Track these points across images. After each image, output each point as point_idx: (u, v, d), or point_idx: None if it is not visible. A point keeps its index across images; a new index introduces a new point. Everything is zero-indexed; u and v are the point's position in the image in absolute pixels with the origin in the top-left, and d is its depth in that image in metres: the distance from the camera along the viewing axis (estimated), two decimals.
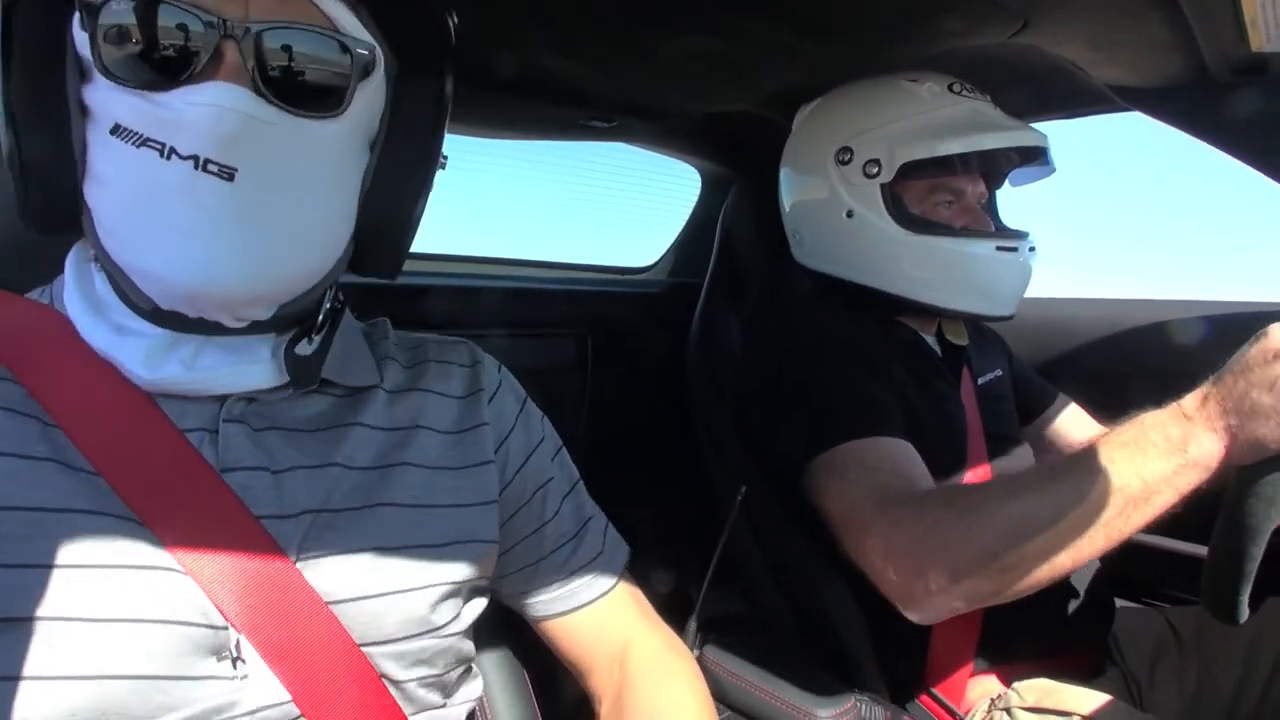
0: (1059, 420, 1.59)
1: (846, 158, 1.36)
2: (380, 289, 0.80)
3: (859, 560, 1.08)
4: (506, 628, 0.90)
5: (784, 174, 1.51)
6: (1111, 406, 1.60)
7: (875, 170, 1.32)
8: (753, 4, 1.12)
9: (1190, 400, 0.91)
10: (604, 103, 1.57)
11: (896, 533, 1.03)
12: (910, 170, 1.30)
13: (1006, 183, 1.50)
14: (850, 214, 1.36)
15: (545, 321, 1.75)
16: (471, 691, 0.81)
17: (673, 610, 0.97)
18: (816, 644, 1.29)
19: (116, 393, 0.64)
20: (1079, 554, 0.92)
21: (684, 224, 2.18)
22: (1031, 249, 1.34)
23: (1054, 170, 1.41)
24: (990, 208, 1.45)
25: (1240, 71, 1.01)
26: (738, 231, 1.78)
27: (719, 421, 1.55)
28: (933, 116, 1.31)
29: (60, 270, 0.71)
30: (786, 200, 1.51)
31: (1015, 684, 1.19)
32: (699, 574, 1.24)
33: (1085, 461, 0.93)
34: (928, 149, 1.28)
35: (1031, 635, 1.25)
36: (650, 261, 2.24)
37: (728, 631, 1.26)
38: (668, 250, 2.21)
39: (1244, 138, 1.07)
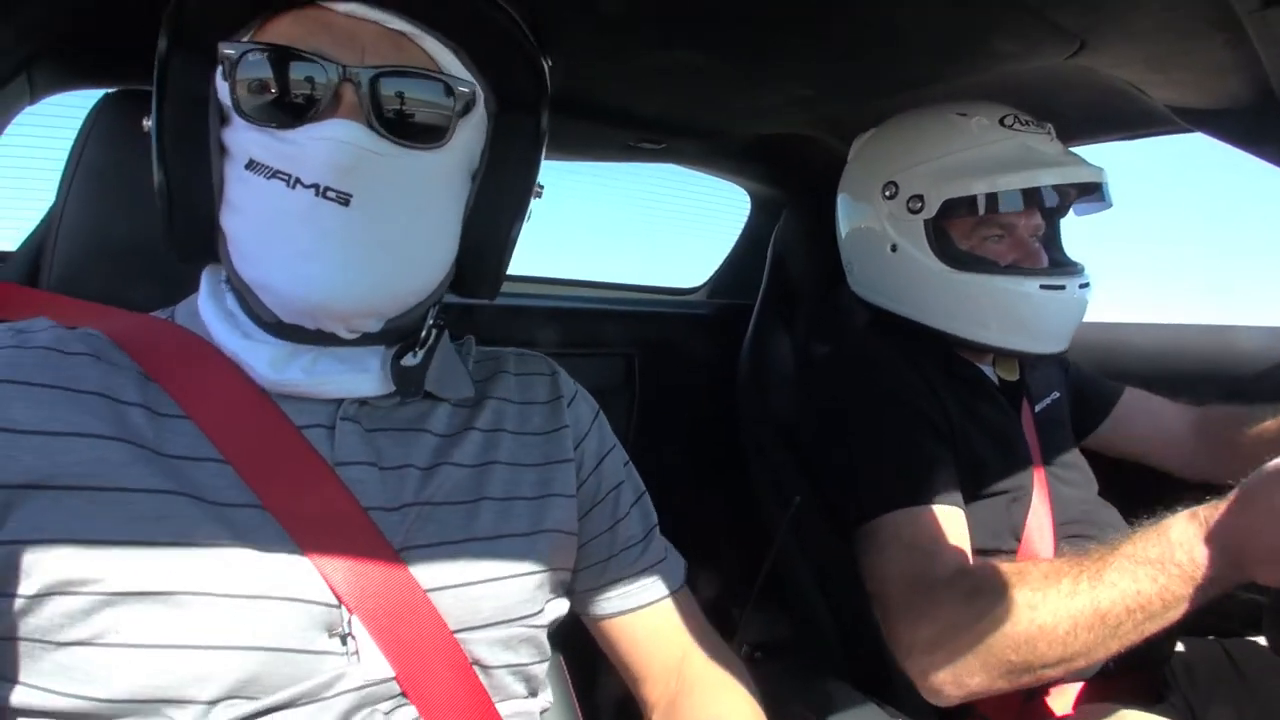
0: (1133, 413, 1.57)
1: (891, 192, 1.35)
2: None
3: (885, 635, 1.11)
4: (564, 652, 0.92)
5: (839, 202, 1.51)
6: None
7: (919, 206, 1.31)
8: (803, 27, 1.12)
9: (1218, 520, 0.90)
10: (653, 124, 1.58)
11: (916, 629, 1.06)
12: (954, 207, 1.29)
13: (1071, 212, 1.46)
14: (894, 248, 1.36)
15: (593, 341, 1.76)
16: (546, 698, 0.86)
17: (716, 630, 0.97)
18: (863, 666, 1.27)
19: (243, 393, 0.72)
20: (1090, 660, 0.95)
21: (732, 245, 2.18)
22: (1084, 285, 1.31)
23: (1110, 204, 1.38)
24: (1051, 239, 1.42)
25: None
26: (790, 255, 1.78)
27: (770, 442, 1.54)
28: (979, 152, 1.30)
29: (173, 294, 0.81)
30: (841, 229, 1.51)
31: (1080, 707, 1.16)
32: (743, 595, 1.23)
33: (1107, 575, 0.94)
34: (969, 187, 1.27)
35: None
36: (698, 283, 2.25)
37: (774, 654, 1.25)
38: (716, 271, 2.22)
39: None
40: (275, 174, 0.68)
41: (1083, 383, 1.58)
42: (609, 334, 1.80)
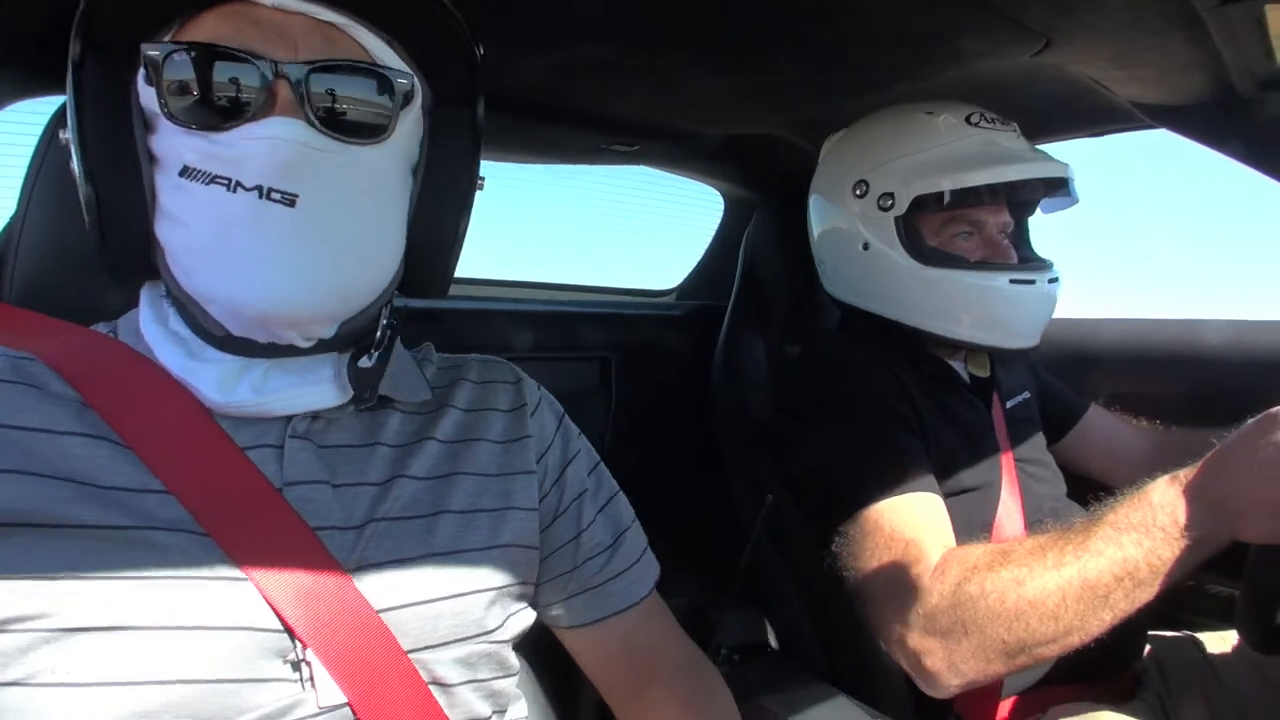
0: (1096, 429, 1.59)
1: (862, 191, 1.36)
2: (403, 313, 0.83)
3: (873, 628, 1.12)
4: (537, 661, 0.91)
5: (811, 203, 1.52)
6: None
7: (889, 203, 1.32)
8: (774, 28, 1.12)
9: (1198, 479, 0.91)
10: (625, 127, 1.58)
11: (905, 619, 1.05)
12: (923, 203, 1.30)
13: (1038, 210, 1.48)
14: (866, 246, 1.37)
15: (568, 344, 1.75)
16: (517, 712, 0.84)
17: (693, 634, 0.96)
18: (843, 665, 1.27)
19: (184, 416, 0.68)
20: (1085, 634, 0.95)
21: (706, 247, 2.19)
22: (1053, 280, 1.33)
23: (1076, 201, 1.39)
24: (1019, 236, 1.44)
25: (1266, 86, 1.01)
26: (761, 256, 1.78)
27: (745, 442, 1.55)
28: (946, 149, 1.31)
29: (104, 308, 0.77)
30: (813, 229, 1.52)
31: (1051, 708, 1.17)
32: (721, 597, 1.23)
33: (1091, 544, 0.94)
34: (938, 183, 1.28)
35: (1062, 659, 1.24)
36: (672, 284, 2.25)
37: (753, 656, 1.25)
38: (690, 273, 2.22)
39: (1269, 151, 1.06)
40: (214, 179, 0.65)
41: (1051, 393, 1.59)
42: (584, 337, 1.79)
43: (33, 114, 1.11)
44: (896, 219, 1.32)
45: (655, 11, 1.07)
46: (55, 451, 0.63)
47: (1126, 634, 1.30)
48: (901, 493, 1.15)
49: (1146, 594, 0.92)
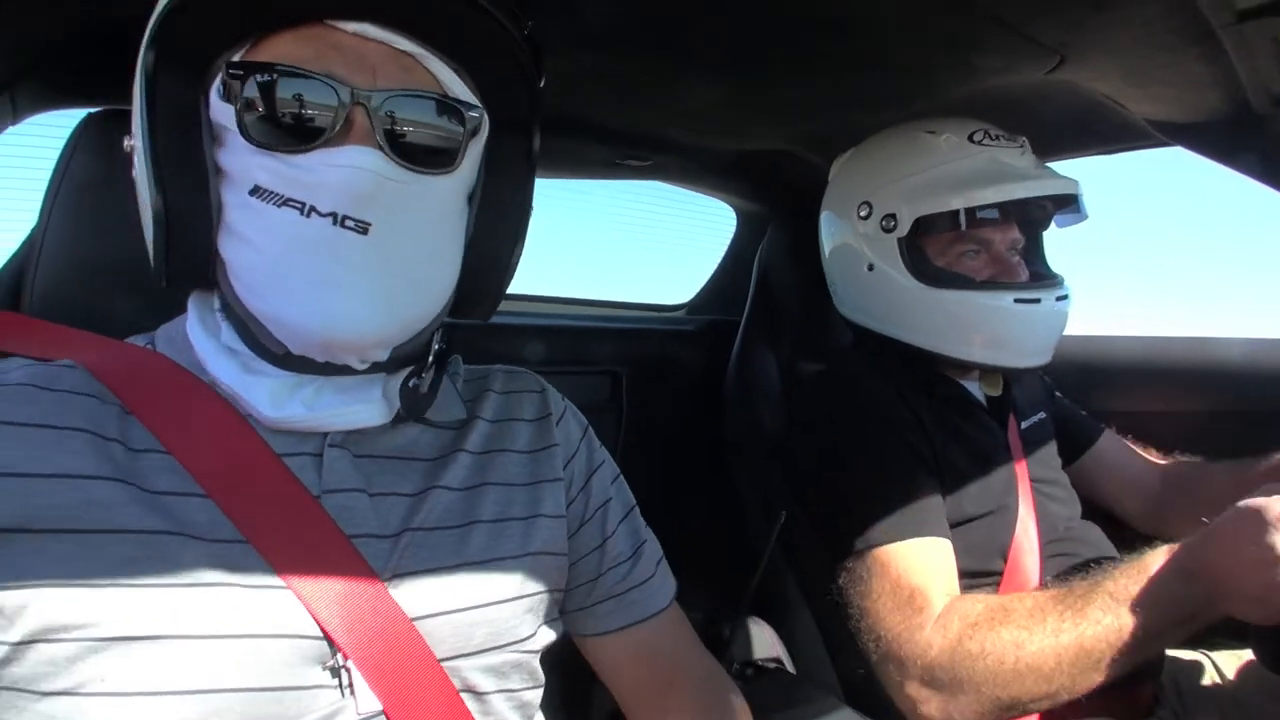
0: (1107, 455, 1.58)
1: (866, 212, 1.36)
2: None
3: (874, 668, 1.15)
4: (552, 672, 0.91)
5: (822, 221, 1.52)
6: (1146, 446, 1.59)
7: (892, 225, 1.32)
8: (788, 44, 1.13)
9: (1190, 559, 0.94)
10: (638, 141, 1.58)
11: (905, 666, 1.08)
12: (928, 224, 1.30)
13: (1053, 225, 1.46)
14: (871, 267, 1.37)
15: (580, 358, 1.75)
16: None
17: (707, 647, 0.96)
18: (854, 682, 1.26)
19: (223, 424, 0.69)
20: (1075, 693, 0.99)
21: (719, 262, 2.19)
22: (1062, 297, 1.31)
23: (1085, 216, 1.38)
24: (1032, 252, 1.43)
25: None
26: (774, 272, 1.78)
27: (757, 459, 1.54)
28: (949, 169, 1.30)
29: (157, 313, 0.78)
30: (824, 249, 1.52)
31: None
32: (732, 612, 1.23)
33: (1090, 612, 0.98)
34: (940, 204, 1.28)
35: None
36: (684, 299, 2.25)
37: (763, 673, 1.24)
38: (702, 288, 2.22)
39: None
40: (286, 201, 0.65)
41: (1066, 417, 1.58)
42: (595, 351, 1.80)
43: (47, 126, 1.12)
44: (899, 240, 1.32)
45: (664, 25, 1.08)
46: (101, 454, 0.64)
47: None
48: (909, 536, 1.15)
49: (1138, 659, 0.96)
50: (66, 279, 0.92)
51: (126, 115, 0.71)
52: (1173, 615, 0.93)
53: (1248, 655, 1.33)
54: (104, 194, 0.91)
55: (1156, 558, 0.97)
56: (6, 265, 1.01)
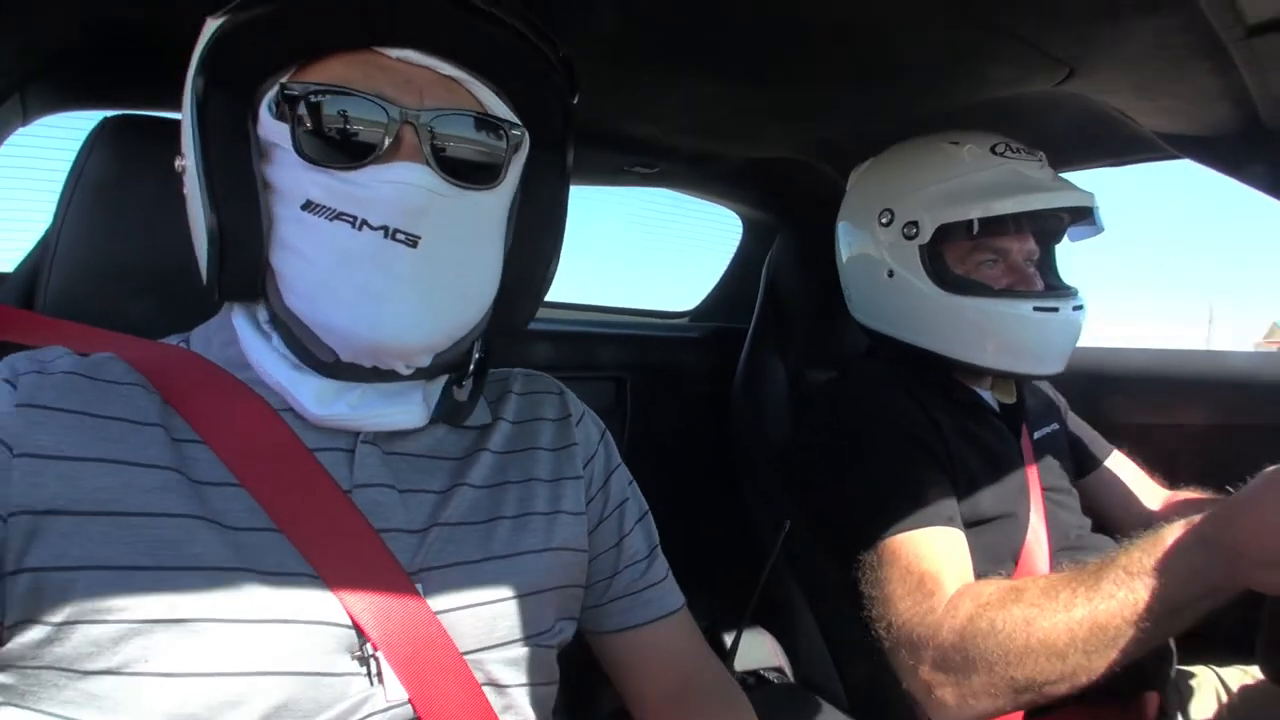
0: (1113, 478, 1.57)
1: (887, 219, 1.37)
2: None
3: (889, 659, 1.13)
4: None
5: (839, 230, 1.53)
6: (1158, 458, 1.59)
7: (914, 232, 1.33)
8: (799, 54, 1.13)
9: (1213, 527, 0.90)
10: (646, 148, 1.59)
11: (919, 652, 1.07)
12: (948, 232, 1.31)
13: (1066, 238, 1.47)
14: (891, 274, 1.38)
15: (585, 364, 1.76)
16: None
17: None
18: (858, 691, 1.26)
19: (257, 417, 0.72)
20: (1093, 673, 0.94)
21: (725, 269, 2.19)
22: (1078, 307, 1.33)
23: (1101, 229, 1.39)
24: (1046, 264, 1.44)
25: None
26: (783, 280, 1.78)
27: (763, 467, 1.54)
28: (971, 179, 1.32)
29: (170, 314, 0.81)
30: (841, 256, 1.53)
31: None
32: (736, 619, 1.23)
33: (1103, 586, 0.94)
34: (962, 212, 1.29)
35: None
36: (690, 306, 2.25)
37: (766, 681, 1.24)
38: (707, 295, 2.22)
39: None
40: (339, 215, 0.68)
41: (1077, 434, 1.59)
42: (600, 357, 1.80)
43: (58, 127, 1.13)
44: (921, 247, 1.33)
45: (675, 32, 1.08)
46: (142, 441, 0.66)
47: (1149, 661, 1.30)
48: (921, 525, 1.15)
49: (1156, 637, 0.92)
50: (81, 281, 0.92)
51: (144, 121, 0.73)
52: (1190, 588, 0.90)
53: (1254, 671, 1.32)
54: (119, 197, 0.92)
55: (1174, 530, 0.93)
56: (21, 266, 1.01)
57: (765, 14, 1.03)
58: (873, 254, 1.41)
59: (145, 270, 0.81)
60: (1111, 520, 1.53)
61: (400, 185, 0.68)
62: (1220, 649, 1.28)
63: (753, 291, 1.83)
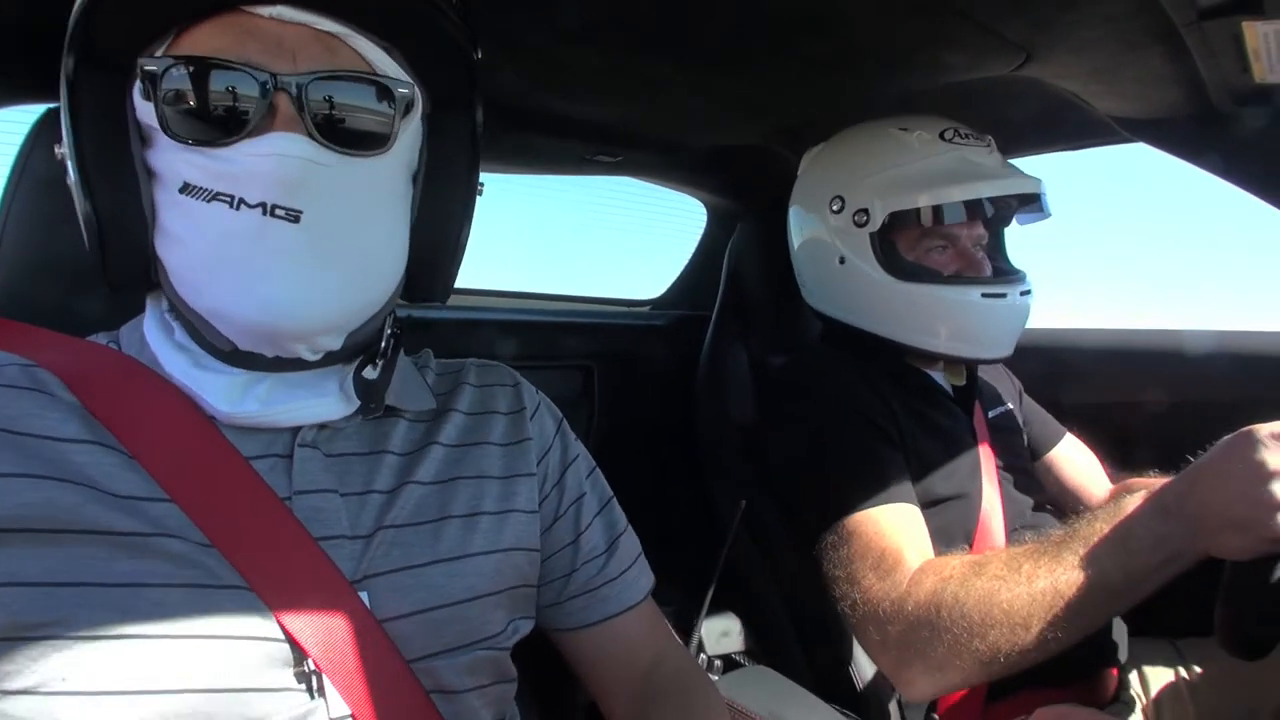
0: (1064, 462, 1.60)
1: (838, 206, 1.38)
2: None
3: (855, 635, 1.15)
4: (528, 667, 0.91)
5: (790, 215, 1.53)
6: (1115, 437, 1.62)
7: (864, 219, 1.34)
8: (760, 39, 1.13)
9: (1173, 495, 0.92)
10: (610, 136, 1.58)
11: (884, 628, 1.07)
12: (898, 219, 1.32)
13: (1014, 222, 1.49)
14: (843, 260, 1.38)
15: (551, 353, 1.75)
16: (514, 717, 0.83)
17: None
18: (824, 671, 1.27)
19: (188, 425, 0.68)
20: (1060, 643, 0.96)
21: (689, 257, 2.19)
22: (1025, 292, 1.34)
23: (1048, 215, 1.41)
24: (995, 248, 1.46)
25: (1242, 101, 1.02)
26: (745, 267, 1.79)
27: (727, 451, 1.55)
28: (920, 166, 1.32)
29: (121, 309, 0.77)
30: (793, 242, 1.53)
31: (1038, 711, 1.18)
32: (700, 606, 1.23)
33: (1065, 557, 0.96)
34: (912, 200, 1.30)
35: (1044, 664, 1.25)
36: (656, 294, 2.25)
37: (733, 663, 1.25)
38: (672, 283, 2.22)
39: (1246, 165, 1.08)
40: (215, 196, 0.64)
41: (1029, 417, 1.61)
42: (567, 346, 1.79)
43: (10, 122, 1.10)
44: (871, 235, 1.33)
45: (639, 19, 1.08)
46: (61, 457, 0.63)
47: (1107, 637, 1.32)
48: (880, 503, 1.16)
49: (1118, 606, 0.95)
50: (27, 275, 0.90)
51: None
52: (1151, 557, 0.91)
53: (1212, 643, 1.35)
54: (64, 190, 0.90)
55: (1134, 500, 0.96)
56: None
57: (726, 3, 1.03)
58: (824, 240, 1.41)
59: (92, 265, 0.79)
60: (1058, 499, 1.56)
61: (274, 158, 0.63)
62: (1177, 621, 1.30)
63: (717, 279, 1.83)
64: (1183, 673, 1.34)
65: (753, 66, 1.23)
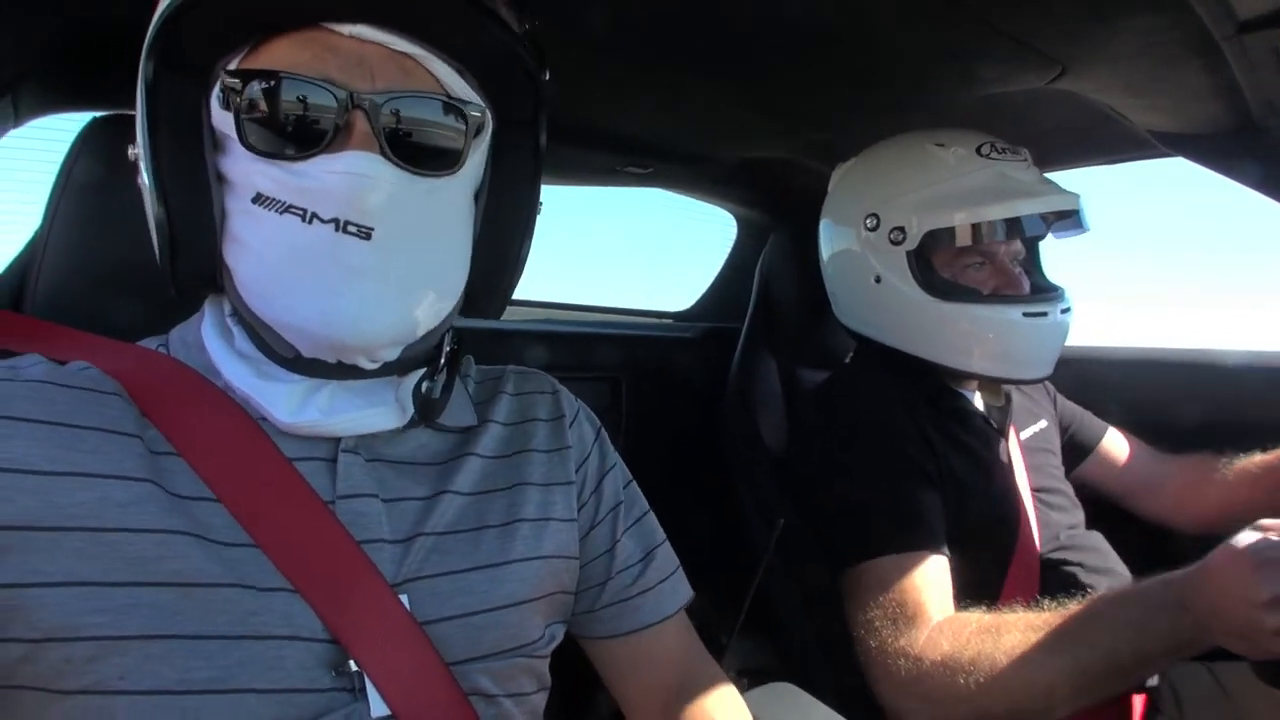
0: (1113, 455, 1.58)
1: (873, 224, 1.36)
2: None
3: (868, 680, 1.15)
4: (554, 676, 0.91)
5: (822, 230, 1.52)
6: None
7: (900, 238, 1.32)
8: (790, 51, 1.13)
9: (1183, 591, 0.94)
10: (641, 148, 1.59)
11: (898, 679, 1.09)
12: (935, 237, 1.30)
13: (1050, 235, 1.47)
14: (878, 279, 1.37)
15: (580, 364, 1.75)
16: None
17: None
18: (851, 691, 1.26)
19: (234, 428, 0.69)
20: (1067, 710, 0.99)
21: (719, 269, 2.19)
22: (1065, 310, 1.32)
23: (1086, 229, 1.38)
24: (1031, 262, 1.44)
25: None
26: (776, 280, 1.78)
27: (757, 467, 1.54)
28: (958, 183, 1.30)
29: (160, 317, 0.78)
30: (824, 257, 1.52)
31: None
32: (731, 620, 1.22)
33: (1087, 635, 0.98)
34: (950, 218, 1.28)
35: None
36: (685, 306, 2.25)
37: (762, 680, 1.24)
38: (702, 295, 2.22)
39: None
40: (288, 209, 0.65)
41: (1070, 418, 1.59)
42: (596, 357, 1.79)
43: (50, 130, 1.12)
44: (908, 253, 1.32)
45: (669, 31, 1.08)
46: (119, 452, 0.64)
47: None
48: (908, 549, 1.16)
49: (1130, 683, 1.01)
50: (70, 282, 0.92)
51: (130, 120, 0.71)
52: (1164, 643, 0.94)
53: (1246, 667, 1.33)
54: (107, 198, 0.91)
55: (1153, 587, 0.97)
56: (9, 268, 1.01)
57: (756, 15, 1.03)
58: (857, 257, 1.40)
59: (135, 272, 0.80)
60: (1119, 497, 1.56)
61: (350, 176, 0.65)
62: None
63: (747, 291, 1.82)
64: (1217, 695, 1.31)
65: (783, 79, 1.23)
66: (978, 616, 1.08)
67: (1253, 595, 0.86)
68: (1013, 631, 1.02)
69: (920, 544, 1.16)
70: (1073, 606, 1.01)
